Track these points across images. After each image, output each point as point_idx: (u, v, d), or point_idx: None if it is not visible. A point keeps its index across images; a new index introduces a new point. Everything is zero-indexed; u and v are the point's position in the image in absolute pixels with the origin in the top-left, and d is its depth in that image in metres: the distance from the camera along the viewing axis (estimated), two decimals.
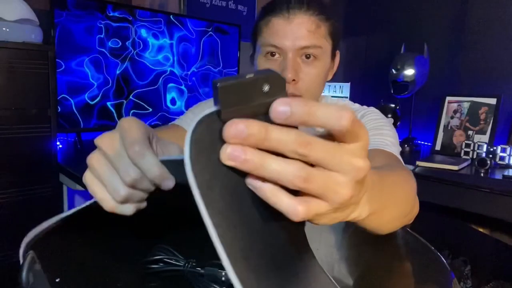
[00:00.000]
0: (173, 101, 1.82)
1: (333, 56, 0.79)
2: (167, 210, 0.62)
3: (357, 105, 0.91)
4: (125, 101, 1.66)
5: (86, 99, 1.54)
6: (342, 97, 2.10)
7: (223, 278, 0.41)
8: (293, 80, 0.73)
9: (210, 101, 0.96)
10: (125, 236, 0.54)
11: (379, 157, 0.67)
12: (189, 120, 0.90)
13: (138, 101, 1.70)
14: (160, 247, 0.45)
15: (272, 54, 0.74)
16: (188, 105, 1.89)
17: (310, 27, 0.72)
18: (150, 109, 1.75)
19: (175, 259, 0.43)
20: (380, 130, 0.77)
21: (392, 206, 0.44)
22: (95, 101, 1.57)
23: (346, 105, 0.60)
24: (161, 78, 1.76)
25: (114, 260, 0.49)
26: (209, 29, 1.90)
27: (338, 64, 0.82)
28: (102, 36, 1.56)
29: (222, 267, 0.41)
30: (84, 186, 1.24)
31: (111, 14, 1.57)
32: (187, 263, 0.42)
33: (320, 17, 0.73)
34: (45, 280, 0.45)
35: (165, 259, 0.43)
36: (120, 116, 1.65)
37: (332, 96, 1.06)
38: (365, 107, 0.91)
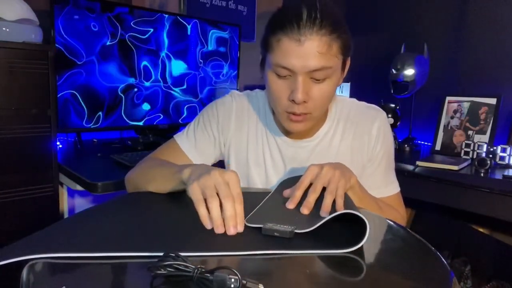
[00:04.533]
0: (172, 101, 1.82)
1: (343, 67, 0.79)
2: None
3: (358, 104, 0.93)
4: (124, 101, 1.66)
5: (86, 98, 1.54)
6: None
7: (232, 285, 0.40)
8: (304, 101, 0.74)
9: (210, 111, 0.95)
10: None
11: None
12: (188, 142, 0.92)
13: (138, 101, 1.70)
14: (169, 253, 0.45)
15: (283, 74, 0.74)
16: (188, 106, 1.89)
17: (321, 49, 0.70)
18: (150, 110, 1.75)
19: (184, 265, 0.43)
20: (391, 167, 0.93)
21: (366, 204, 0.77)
22: (95, 100, 1.57)
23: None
24: (161, 78, 1.76)
25: (124, 265, 0.49)
26: (209, 29, 1.90)
27: (349, 67, 0.83)
28: (101, 36, 1.56)
29: (230, 273, 0.41)
30: (83, 186, 1.24)
31: (111, 14, 1.57)
32: (196, 269, 0.42)
33: (332, 36, 0.71)
34: (50, 286, 0.44)
35: (174, 265, 0.43)
36: (120, 115, 1.65)
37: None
38: (372, 107, 0.92)
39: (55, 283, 0.44)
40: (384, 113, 0.91)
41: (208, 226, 0.57)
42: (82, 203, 1.78)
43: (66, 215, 1.59)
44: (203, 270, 0.42)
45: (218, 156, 0.94)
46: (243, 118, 0.91)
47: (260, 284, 0.41)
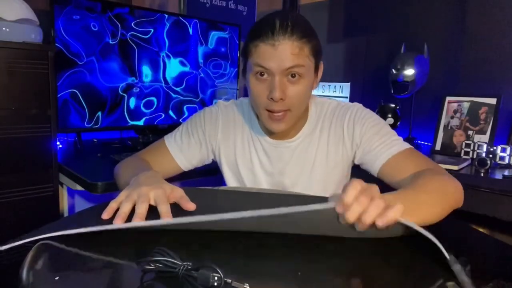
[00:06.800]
0: (172, 101, 1.82)
1: (316, 70, 0.87)
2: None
3: (334, 103, 0.97)
4: (124, 101, 1.66)
5: (86, 98, 1.54)
6: (342, 97, 2.10)
7: (215, 283, 0.41)
8: (281, 98, 0.81)
9: (197, 118, 1.00)
10: (125, 237, 0.54)
11: (406, 165, 0.82)
12: (175, 145, 0.98)
13: (138, 101, 1.70)
14: (159, 249, 0.45)
15: (261, 74, 0.82)
16: (188, 106, 1.89)
17: (294, 51, 0.79)
18: (150, 110, 1.75)
19: (171, 261, 0.44)
20: (382, 132, 0.88)
21: (423, 206, 0.64)
22: (95, 100, 1.57)
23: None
24: (161, 78, 1.76)
25: (113, 260, 0.50)
26: (209, 29, 1.90)
27: (322, 74, 0.91)
28: (101, 36, 1.56)
29: (214, 271, 0.41)
30: (83, 186, 1.25)
31: (111, 14, 1.57)
32: (182, 266, 0.43)
33: (302, 40, 0.80)
34: (45, 278, 0.45)
35: (162, 261, 0.44)
36: (120, 115, 1.65)
37: (332, 96, 1.08)
38: (347, 104, 0.96)
39: (50, 274, 0.46)
40: (358, 104, 0.95)
41: (105, 216, 0.59)
42: (82, 203, 1.78)
43: (66, 215, 1.59)
44: (189, 267, 0.43)
45: (204, 158, 1.01)
46: (230, 126, 0.98)
47: (246, 284, 0.41)
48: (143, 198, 0.61)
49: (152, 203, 0.62)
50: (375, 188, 0.56)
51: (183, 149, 0.97)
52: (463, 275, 0.47)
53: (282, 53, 0.79)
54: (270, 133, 0.94)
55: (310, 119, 0.95)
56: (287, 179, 0.95)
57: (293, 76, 0.81)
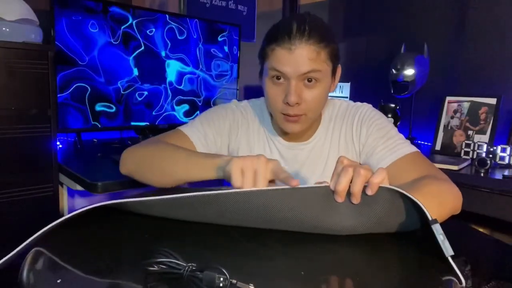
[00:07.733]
0: (172, 101, 1.82)
1: (333, 74, 0.85)
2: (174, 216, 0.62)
3: (345, 104, 0.97)
4: (124, 101, 1.66)
5: (86, 99, 1.54)
6: (342, 97, 2.10)
7: (221, 284, 0.41)
8: (297, 103, 0.80)
9: (219, 110, 0.98)
10: (128, 239, 0.54)
11: (408, 171, 0.79)
12: (198, 132, 0.92)
13: (138, 101, 1.70)
14: (162, 250, 0.45)
15: (278, 78, 0.81)
16: (188, 106, 1.89)
17: (310, 56, 0.78)
18: (150, 110, 1.75)
19: (175, 262, 0.43)
20: (388, 136, 0.87)
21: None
22: (95, 100, 1.57)
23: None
24: (161, 79, 1.76)
25: (116, 262, 0.49)
26: (209, 29, 1.90)
27: (340, 76, 0.89)
28: (101, 35, 1.56)
29: (220, 272, 0.41)
30: (83, 186, 1.23)
31: (111, 14, 1.57)
32: (186, 267, 0.43)
33: (320, 45, 0.78)
34: (46, 280, 0.45)
35: (166, 262, 0.43)
36: (120, 115, 1.65)
37: (332, 96, 1.07)
38: (357, 104, 0.96)
39: (52, 277, 0.45)
40: (368, 105, 0.94)
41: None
42: (82, 203, 1.78)
43: (66, 215, 1.59)
44: (193, 268, 0.43)
45: (216, 150, 0.94)
46: (248, 127, 0.97)
47: (250, 284, 0.41)
48: (263, 169, 0.63)
49: (269, 176, 0.64)
50: (365, 166, 0.58)
51: (205, 136, 0.91)
52: (441, 236, 0.49)
53: (299, 57, 0.77)
54: (284, 135, 0.94)
55: (323, 120, 0.95)
56: (300, 180, 0.93)
57: (309, 80, 0.80)
